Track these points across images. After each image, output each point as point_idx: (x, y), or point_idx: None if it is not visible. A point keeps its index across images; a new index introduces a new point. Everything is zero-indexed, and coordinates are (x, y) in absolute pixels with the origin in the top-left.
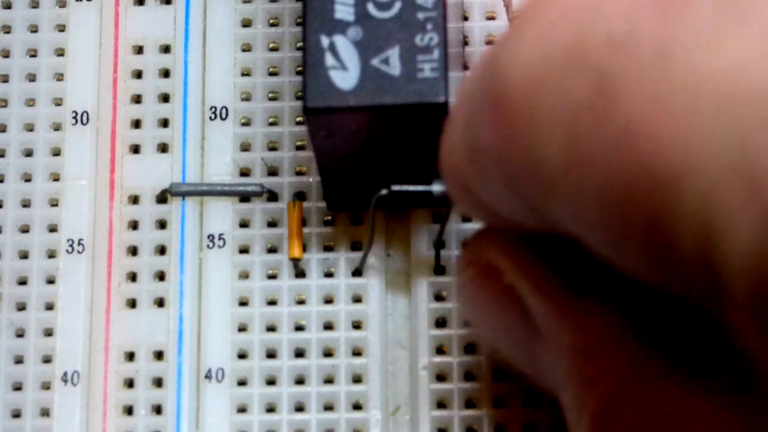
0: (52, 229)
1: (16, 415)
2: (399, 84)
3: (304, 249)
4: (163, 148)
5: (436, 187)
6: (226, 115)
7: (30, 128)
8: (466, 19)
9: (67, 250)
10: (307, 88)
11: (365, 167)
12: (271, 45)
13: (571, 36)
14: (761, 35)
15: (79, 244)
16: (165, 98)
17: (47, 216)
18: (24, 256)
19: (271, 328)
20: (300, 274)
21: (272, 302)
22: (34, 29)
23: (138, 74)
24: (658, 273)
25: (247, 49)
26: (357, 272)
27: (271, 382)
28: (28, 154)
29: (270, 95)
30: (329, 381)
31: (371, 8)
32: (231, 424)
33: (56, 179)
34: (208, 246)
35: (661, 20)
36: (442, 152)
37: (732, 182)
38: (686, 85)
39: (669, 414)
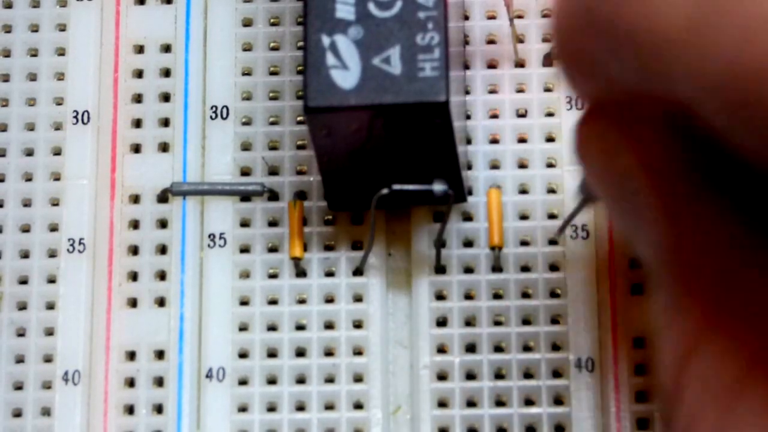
0: (53, 228)
1: (17, 414)
2: (400, 83)
3: (305, 248)
4: (164, 147)
5: (437, 187)
6: (227, 114)
7: (31, 128)
8: (466, 18)
9: (68, 250)
10: (307, 88)
11: (366, 166)
12: (271, 44)
13: None
14: None
15: (80, 243)
16: (166, 98)
17: (48, 215)
18: (25, 255)
19: (271, 328)
20: (301, 273)
21: (273, 302)
22: (34, 29)
23: (139, 74)
24: None
25: (247, 48)
26: (358, 271)
27: (271, 381)
28: (29, 153)
29: (271, 95)
30: (330, 380)
31: (372, 7)
32: (232, 423)
33: (57, 179)
34: (208, 245)
35: None
36: (557, 16)
37: None
38: None
39: (762, 331)
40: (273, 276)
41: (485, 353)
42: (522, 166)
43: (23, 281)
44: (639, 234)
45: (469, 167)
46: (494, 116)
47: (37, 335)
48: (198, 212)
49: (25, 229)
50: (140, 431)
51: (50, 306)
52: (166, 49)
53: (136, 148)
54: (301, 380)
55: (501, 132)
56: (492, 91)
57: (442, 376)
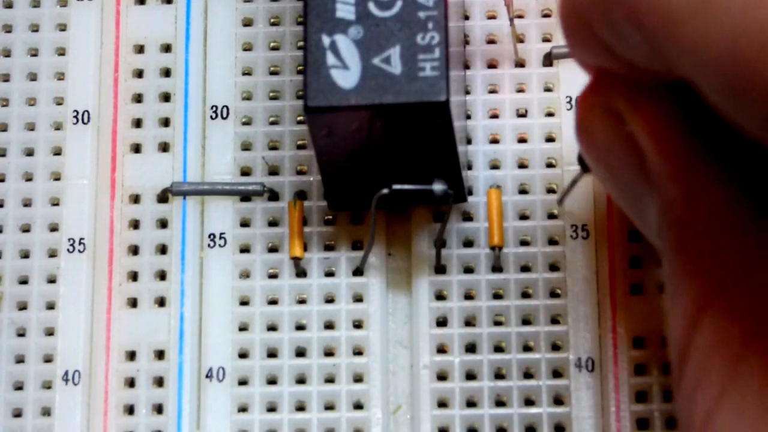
0: (53, 228)
1: (18, 414)
2: (400, 83)
3: (305, 248)
4: (164, 147)
5: (437, 187)
6: (227, 114)
7: (31, 127)
8: (467, 18)
9: (68, 250)
10: (308, 87)
11: (366, 166)
12: (272, 44)
13: None
14: None
15: (80, 243)
16: (166, 97)
17: (48, 215)
18: (25, 255)
19: (271, 328)
20: (301, 273)
21: (273, 301)
22: (35, 28)
23: (139, 73)
24: None
25: (248, 48)
26: (358, 271)
27: (272, 381)
28: (29, 153)
29: (271, 94)
30: (330, 380)
31: (372, 7)
32: (232, 423)
33: (57, 179)
34: (209, 245)
35: None
36: None
37: None
38: None
39: (764, 297)
40: (273, 276)
41: (485, 353)
42: (522, 166)
43: (23, 281)
44: (642, 204)
45: (469, 167)
46: (494, 116)
47: (37, 335)
48: (198, 212)
49: (25, 229)
50: (140, 431)
51: (50, 306)
52: (166, 49)
53: (136, 148)
54: (301, 380)
55: (501, 132)
56: (492, 91)
57: (442, 376)
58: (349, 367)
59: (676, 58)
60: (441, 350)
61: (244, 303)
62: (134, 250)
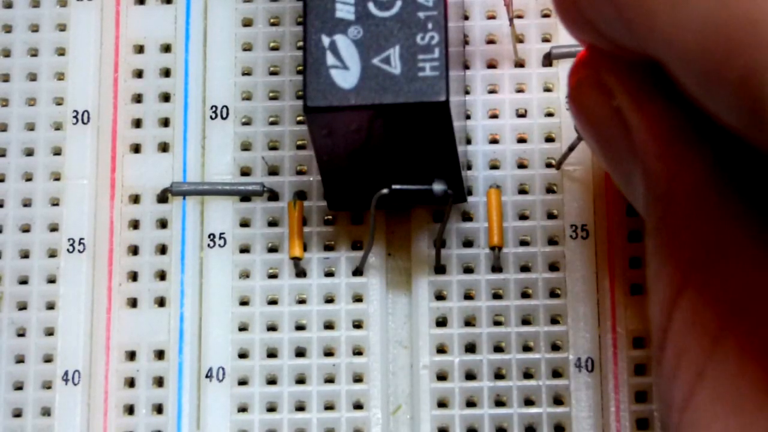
0: (53, 228)
1: (17, 414)
2: (400, 83)
3: (305, 248)
4: (164, 147)
5: (437, 187)
6: (227, 114)
7: (31, 127)
8: (466, 18)
9: (67, 250)
10: (307, 87)
11: (366, 166)
12: (271, 44)
13: None
14: None
15: (79, 243)
16: (166, 97)
17: (48, 215)
18: (25, 255)
19: (271, 328)
20: (301, 273)
21: (273, 302)
22: (35, 29)
23: (139, 74)
24: (744, 122)
25: (247, 48)
26: (357, 271)
27: (271, 381)
28: (29, 153)
29: (271, 94)
30: (330, 380)
31: (372, 7)
32: (232, 423)
33: (57, 179)
34: (208, 245)
35: None
36: None
37: None
38: None
39: (743, 278)
40: (273, 276)
41: (485, 353)
42: (522, 166)
43: (23, 281)
44: (630, 175)
45: (469, 167)
46: (494, 116)
47: (37, 335)
48: (198, 212)
49: (25, 229)
50: (140, 431)
51: (50, 306)
52: (166, 49)
53: (136, 148)
54: (301, 380)
55: (501, 132)
56: (492, 91)
57: (441, 376)
58: (348, 367)
59: (652, 44)
60: (441, 350)
61: (244, 303)
62: (134, 250)
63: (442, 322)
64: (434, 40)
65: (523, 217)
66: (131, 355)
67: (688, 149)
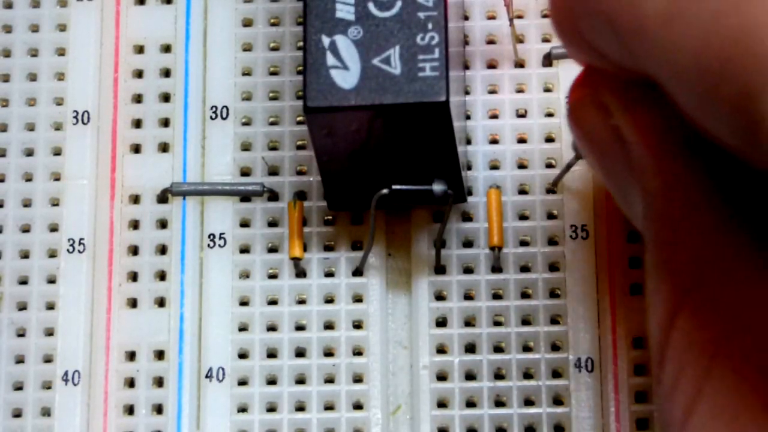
0: (53, 228)
1: (17, 414)
2: (400, 83)
3: (305, 248)
4: (164, 147)
5: (437, 187)
6: (227, 114)
7: (31, 128)
8: (466, 18)
9: (67, 250)
10: (307, 88)
11: (366, 166)
12: (271, 45)
13: None
14: None
15: (79, 243)
16: (166, 98)
17: (48, 215)
18: (25, 255)
19: (271, 328)
20: (300, 273)
21: (273, 302)
22: (35, 29)
23: (139, 74)
24: (739, 141)
25: (247, 48)
26: (357, 272)
27: (271, 381)
28: (29, 153)
29: (271, 95)
30: (330, 380)
31: (372, 7)
32: (232, 423)
33: (57, 179)
34: (208, 245)
35: None
36: None
37: None
38: None
39: (739, 296)
40: (273, 276)
41: (485, 353)
42: (521, 166)
43: (23, 281)
44: (629, 192)
45: (469, 167)
46: (494, 116)
47: (37, 335)
48: (198, 212)
49: (25, 229)
50: (140, 431)
51: (50, 306)
52: (166, 49)
53: (136, 148)
54: (300, 380)
55: (501, 132)
56: (492, 91)
57: (441, 376)
58: (348, 367)
59: (647, 62)
60: (441, 350)
61: (243, 303)
62: (134, 251)
63: (442, 323)
64: (434, 41)
65: (523, 217)
66: (131, 356)
67: (685, 167)
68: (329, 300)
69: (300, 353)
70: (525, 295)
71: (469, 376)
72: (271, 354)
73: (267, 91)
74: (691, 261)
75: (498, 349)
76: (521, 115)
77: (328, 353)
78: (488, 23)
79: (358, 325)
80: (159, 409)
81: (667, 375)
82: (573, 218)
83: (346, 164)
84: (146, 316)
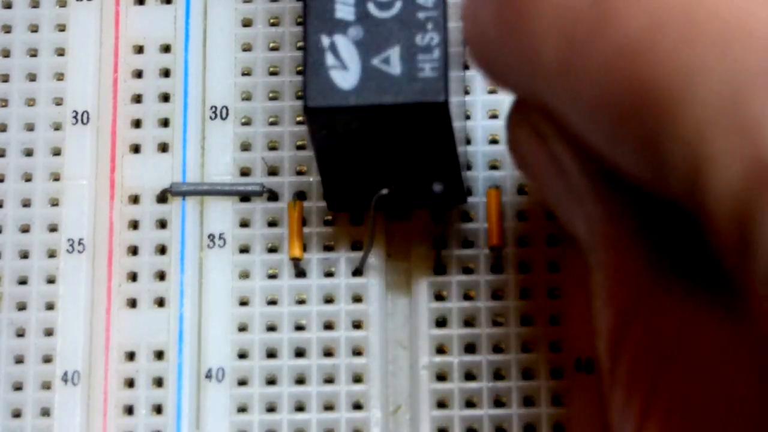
0: (53, 228)
1: (17, 414)
2: (399, 83)
3: (305, 249)
4: (164, 147)
5: (437, 187)
6: (227, 114)
7: (30, 128)
8: None
9: (67, 250)
10: (307, 88)
11: (365, 167)
12: (271, 45)
13: None
14: None
15: (79, 243)
16: (165, 98)
17: (47, 216)
18: (24, 255)
19: (271, 328)
20: (300, 273)
21: (272, 302)
22: (34, 29)
23: (138, 74)
24: (650, 182)
25: (247, 48)
26: (357, 272)
27: (271, 381)
28: (29, 153)
29: (270, 95)
30: (329, 381)
31: (372, 8)
32: (231, 423)
33: (56, 179)
34: (208, 246)
35: None
36: (466, 21)
37: (723, 122)
38: (687, 8)
39: (674, 324)
40: (272, 276)
41: (484, 353)
42: None
43: (23, 281)
44: (571, 215)
45: (469, 168)
46: (494, 116)
47: (37, 335)
48: (197, 212)
49: (25, 230)
50: (140, 431)
51: (50, 306)
52: (166, 49)
53: (136, 149)
54: (300, 380)
55: (501, 132)
56: (492, 91)
57: (441, 377)
58: (348, 367)
59: (553, 109)
60: (440, 351)
61: (243, 303)
62: (134, 251)
63: (441, 323)
64: (434, 41)
65: (523, 217)
66: (131, 356)
67: (623, 195)
68: (329, 300)
69: (300, 353)
70: (525, 295)
71: (469, 376)
72: (271, 354)
73: (267, 91)
74: (626, 292)
75: (498, 349)
76: None
77: (328, 353)
78: None
79: (357, 326)
80: (159, 410)
81: (617, 402)
82: None
83: (346, 164)
84: (146, 316)
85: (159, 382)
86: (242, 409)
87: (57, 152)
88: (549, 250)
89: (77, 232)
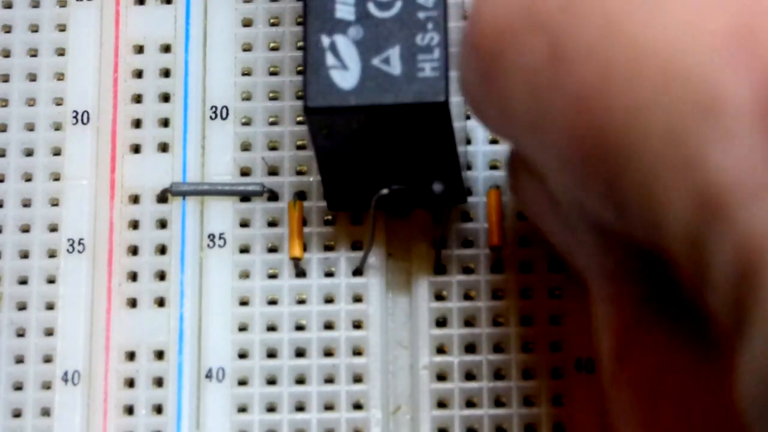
0: (53, 228)
1: (17, 414)
2: (399, 83)
3: (305, 248)
4: (164, 147)
5: (437, 187)
6: (227, 114)
7: (30, 128)
8: (466, 18)
9: (67, 250)
10: (307, 88)
11: (366, 167)
12: (271, 45)
13: None
14: (699, 7)
15: (79, 243)
16: (165, 98)
17: (48, 216)
18: (24, 255)
19: (271, 328)
20: (300, 273)
21: (273, 302)
22: (34, 29)
23: (138, 74)
24: (621, 228)
25: (247, 48)
26: (357, 272)
27: (271, 381)
28: (29, 153)
29: (270, 95)
30: (330, 380)
31: (372, 8)
32: (231, 423)
33: (57, 179)
34: (208, 245)
35: None
36: (458, 67)
37: (668, 160)
38: (630, 56)
39: (660, 359)
40: (273, 276)
41: (485, 353)
42: None
43: (23, 281)
44: (572, 249)
45: (469, 168)
46: None
47: (37, 335)
48: (198, 212)
49: (25, 230)
50: (140, 431)
51: (50, 306)
52: (166, 49)
53: (136, 149)
54: (300, 380)
55: None
56: None
57: (441, 377)
58: (348, 367)
59: (531, 158)
60: (441, 350)
61: (243, 303)
62: (134, 251)
63: (442, 323)
64: (434, 41)
65: (523, 217)
66: (131, 356)
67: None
68: (329, 300)
69: (300, 353)
70: (525, 295)
71: (469, 376)
72: (271, 354)
73: (267, 91)
74: (619, 323)
75: (498, 349)
76: None
77: (328, 353)
78: None
79: (358, 325)
80: (159, 409)
81: (615, 418)
82: None
83: (346, 164)
84: (146, 316)
85: (159, 382)
86: (242, 409)
87: (57, 152)
88: (549, 250)
89: (77, 232)
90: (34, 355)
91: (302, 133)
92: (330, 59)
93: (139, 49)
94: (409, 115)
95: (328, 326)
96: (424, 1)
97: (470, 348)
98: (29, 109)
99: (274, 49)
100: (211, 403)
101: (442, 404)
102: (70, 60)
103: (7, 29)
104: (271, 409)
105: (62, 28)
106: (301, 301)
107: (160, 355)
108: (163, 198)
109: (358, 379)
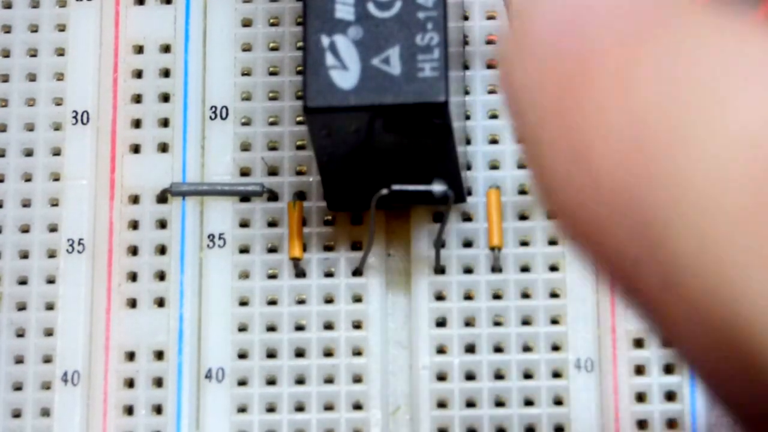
0: (53, 228)
1: (17, 414)
2: (399, 83)
3: (305, 249)
4: (164, 147)
5: (436, 187)
6: (227, 114)
7: (30, 128)
8: (466, 18)
9: (67, 250)
10: (307, 88)
11: (365, 167)
12: (271, 45)
13: None
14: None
15: (79, 243)
16: (165, 98)
17: (47, 216)
18: (24, 255)
19: (271, 328)
20: (300, 273)
21: (272, 302)
22: (34, 29)
23: (138, 74)
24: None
25: (247, 48)
26: (357, 272)
27: (271, 381)
28: (29, 153)
29: (270, 95)
30: (329, 381)
31: (371, 8)
32: (231, 423)
33: (56, 179)
34: (208, 246)
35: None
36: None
37: None
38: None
39: None
40: (272, 276)
41: (485, 354)
42: (522, 166)
43: (23, 281)
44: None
45: (469, 168)
46: (494, 116)
47: (37, 336)
48: (197, 212)
49: (25, 230)
50: (139, 431)
51: (50, 306)
52: (166, 49)
53: (136, 149)
54: (300, 381)
55: (500, 132)
56: (492, 91)
57: (441, 377)
58: (348, 367)
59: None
60: (440, 351)
61: (243, 303)
62: (133, 251)
63: (441, 323)
64: (434, 41)
65: (523, 217)
66: (130, 356)
67: None
68: (329, 300)
69: (299, 353)
70: (525, 296)
71: (469, 377)
72: (271, 354)
73: (267, 91)
74: None
75: (498, 350)
76: None
77: (328, 353)
78: (488, 23)
79: (357, 326)
80: (158, 410)
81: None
82: None
83: (346, 164)
84: (146, 317)
85: (159, 382)
86: (242, 409)
87: (57, 152)
88: (549, 250)
89: (77, 232)
90: (33, 356)
91: (302, 133)
92: (330, 59)
93: (139, 49)
94: (409, 115)
95: (328, 326)
96: (423, 1)
97: (470, 348)
98: (29, 109)
99: (273, 49)
100: (211, 403)
101: (441, 404)
102: (70, 60)
103: (7, 29)
104: (270, 409)
105: (62, 28)
106: (301, 302)
107: (159, 355)
108: (162, 198)
109: (357, 380)
